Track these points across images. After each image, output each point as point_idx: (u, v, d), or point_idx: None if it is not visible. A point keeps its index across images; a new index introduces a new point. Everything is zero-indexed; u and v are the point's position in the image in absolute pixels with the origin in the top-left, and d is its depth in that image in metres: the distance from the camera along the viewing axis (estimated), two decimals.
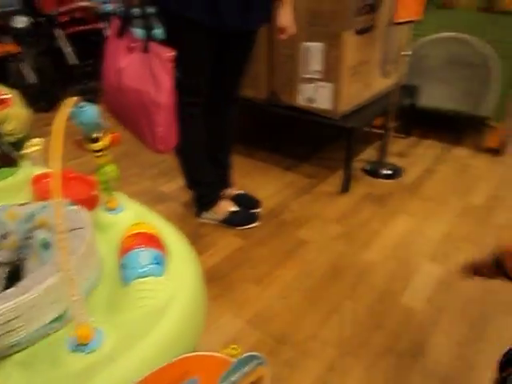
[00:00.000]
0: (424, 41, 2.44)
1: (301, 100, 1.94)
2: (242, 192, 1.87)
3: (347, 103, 1.89)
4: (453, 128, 2.73)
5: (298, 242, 1.65)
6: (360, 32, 1.81)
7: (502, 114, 2.37)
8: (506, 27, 2.17)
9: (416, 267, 1.52)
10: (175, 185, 1.98)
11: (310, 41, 1.80)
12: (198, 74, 1.42)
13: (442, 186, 2.08)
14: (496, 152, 2.40)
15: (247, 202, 1.83)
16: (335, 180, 2.07)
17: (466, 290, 1.42)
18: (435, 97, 2.53)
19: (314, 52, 1.80)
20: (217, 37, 1.37)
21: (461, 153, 2.44)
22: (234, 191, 1.85)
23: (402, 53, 2.18)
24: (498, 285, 1.42)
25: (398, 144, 2.50)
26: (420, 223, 1.78)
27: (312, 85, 1.86)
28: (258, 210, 1.82)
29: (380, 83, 2.17)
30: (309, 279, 1.46)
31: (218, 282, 1.45)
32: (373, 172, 2.17)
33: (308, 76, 1.86)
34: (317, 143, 2.52)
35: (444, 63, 2.46)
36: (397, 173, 2.18)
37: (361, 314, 1.32)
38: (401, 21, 1.81)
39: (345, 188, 1.99)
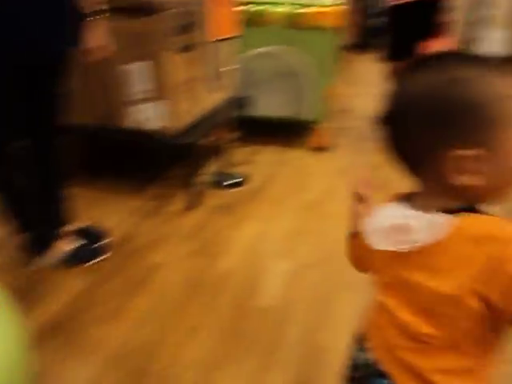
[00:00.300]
0: (248, 55, 2.61)
1: (134, 122, 1.90)
2: (85, 225, 1.74)
3: (181, 120, 1.91)
4: (289, 132, 2.97)
5: (152, 267, 1.59)
6: (182, 50, 1.85)
7: (323, 116, 2.67)
8: (312, 40, 2.46)
9: (267, 267, 1.60)
10: (2, 231, 1.74)
11: (133, 62, 1.77)
12: (7, 110, 1.28)
13: (283, 187, 2.24)
14: (325, 149, 2.68)
15: (92, 235, 1.71)
16: (183, 198, 2.07)
17: (312, 277, 1.54)
18: (267, 106, 2.73)
19: (139, 73, 1.78)
20: (19, 67, 1.26)
21: (297, 154, 2.67)
22: (75, 225, 1.71)
23: (228, 68, 2.30)
24: (342, 265, 1.56)
25: (241, 153, 2.62)
26: (267, 225, 1.88)
27: (142, 106, 1.84)
28: (104, 242, 1.71)
29: (212, 98, 2.25)
30: (166, 303, 1.42)
31: (63, 328, 1.31)
32: (219, 183, 2.23)
33: (137, 97, 1.83)
34: (160, 163, 2.49)
35: (269, 75, 2.67)
36: (242, 181, 2.27)
37: (221, 324, 1.33)
38: (219, 38, 1.90)
39: (193, 204, 2.00)
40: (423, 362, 0.56)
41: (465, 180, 0.50)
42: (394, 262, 0.58)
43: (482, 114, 0.49)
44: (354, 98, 3.97)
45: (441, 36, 2.78)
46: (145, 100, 1.83)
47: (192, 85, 2.00)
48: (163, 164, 2.43)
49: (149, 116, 1.85)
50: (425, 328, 0.55)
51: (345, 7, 5.23)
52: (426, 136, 0.52)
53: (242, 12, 2.53)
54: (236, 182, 2.26)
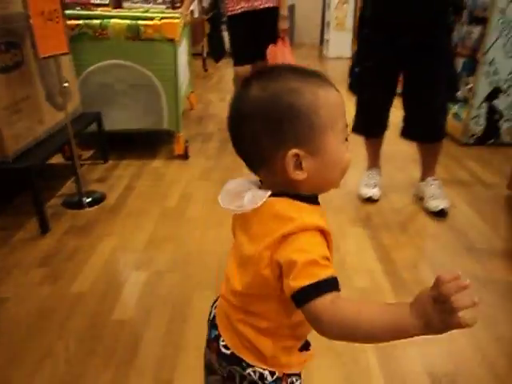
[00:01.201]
0: (90, 70, 2.55)
1: None
2: None
3: (16, 144, 1.80)
4: (149, 144, 2.96)
5: None
6: (5, 70, 1.75)
7: (178, 125, 2.72)
8: (151, 52, 2.49)
9: (124, 281, 1.59)
10: None
11: None
12: None
13: (142, 198, 2.24)
14: (184, 157, 2.73)
15: None
16: (34, 224, 1.95)
17: (171, 282, 1.58)
18: (120, 120, 2.69)
19: None
20: None
21: (156, 164, 2.68)
22: None
23: (68, 84, 2.22)
24: (201, 266, 1.60)
25: (97, 170, 2.55)
26: (125, 239, 1.86)
27: None
28: None
29: (55, 116, 2.15)
30: (11, 338, 1.33)
31: None
32: (74, 204, 2.15)
33: None
34: (5, 192, 2.30)
35: (120, 88, 2.63)
36: (99, 198, 2.21)
37: (74, 347, 1.29)
38: (47, 55, 1.83)
39: (44, 229, 1.89)
40: (233, 313, 0.67)
41: (295, 175, 0.58)
42: (235, 223, 0.69)
43: (305, 121, 0.57)
44: (215, 104, 4.11)
45: (279, 42, 3.02)
46: None
47: (26, 105, 1.90)
48: (10, 191, 2.25)
49: None
50: (237, 285, 0.65)
51: (195, 18, 5.38)
52: (263, 139, 0.59)
53: (84, 26, 2.47)
54: (94, 200, 2.19)
